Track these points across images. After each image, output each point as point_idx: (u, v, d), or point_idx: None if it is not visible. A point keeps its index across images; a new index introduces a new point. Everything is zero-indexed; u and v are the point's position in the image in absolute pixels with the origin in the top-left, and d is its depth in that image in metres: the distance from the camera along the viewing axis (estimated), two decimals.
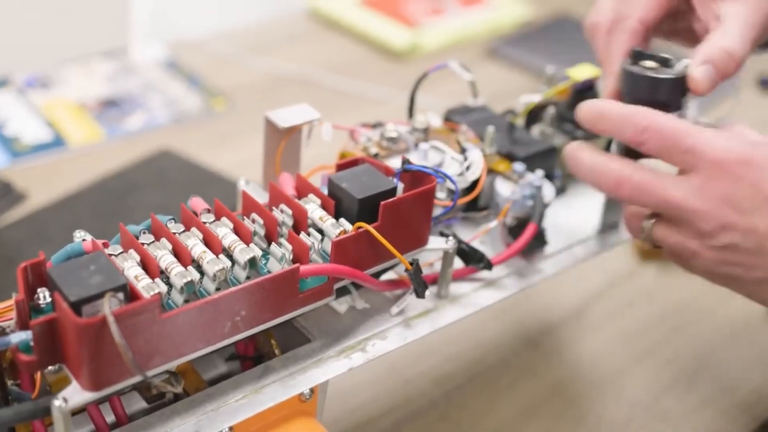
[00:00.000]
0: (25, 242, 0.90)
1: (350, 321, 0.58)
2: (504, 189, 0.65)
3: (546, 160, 0.68)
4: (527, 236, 0.63)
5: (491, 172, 0.66)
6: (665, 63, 0.60)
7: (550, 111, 0.72)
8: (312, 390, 0.54)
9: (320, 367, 0.55)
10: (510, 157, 0.67)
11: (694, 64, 0.58)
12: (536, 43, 1.39)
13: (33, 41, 1.26)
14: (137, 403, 0.55)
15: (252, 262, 0.50)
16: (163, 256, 0.50)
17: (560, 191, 0.73)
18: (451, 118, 0.71)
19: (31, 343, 0.46)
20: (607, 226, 0.70)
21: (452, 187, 0.60)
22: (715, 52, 0.58)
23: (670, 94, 0.59)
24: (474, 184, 0.63)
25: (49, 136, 1.08)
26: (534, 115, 0.74)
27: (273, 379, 0.53)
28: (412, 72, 0.70)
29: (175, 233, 0.51)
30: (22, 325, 0.47)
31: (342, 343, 0.56)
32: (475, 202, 0.66)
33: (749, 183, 0.50)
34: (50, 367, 0.51)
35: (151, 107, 1.16)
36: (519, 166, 0.65)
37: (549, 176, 0.69)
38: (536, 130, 0.73)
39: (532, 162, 0.67)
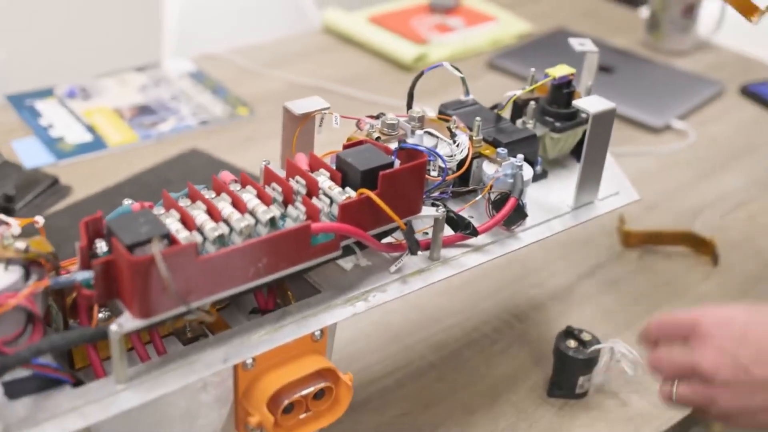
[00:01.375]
0: (69, 229, 1.00)
1: (355, 277, 0.68)
2: (489, 169, 0.75)
3: (527, 146, 0.78)
4: (508, 208, 0.72)
5: (479, 156, 0.76)
6: (583, 344, 0.84)
7: (532, 105, 0.83)
8: (322, 331, 0.64)
9: (329, 313, 0.65)
10: (495, 144, 0.77)
11: None
12: (533, 55, 1.50)
13: (75, 57, 1.39)
14: (175, 346, 0.66)
15: (272, 221, 0.61)
16: (199, 215, 0.60)
17: (542, 176, 0.83)
18: (444, 111, 0.81)
19: (92, 281, 0.56)
20: (581, 204, 0.80)
21: (442, 164, 0.70)
22: None
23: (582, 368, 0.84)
24: (462, 164, 0.73)
25: (89, 138, 1.20)
26: (519, 110, 0.84)
27: (290, 321, 0.64)
28: (418, 82, 0.80)
29: (208, 198, 0.62)
30: (84, 267, 0.57)
31: (347, 294, 0.67)
32: (464, 182, 0.76)
33: (727, 337, 0.66)
34: (101, 315, 0.61)
35: (181, 114, 1.28)
36: (502, 151, 0.75)
37: (530, 161, 0.79)
38: (520, 122, 0.83)
39: (514, 148, 0.77)
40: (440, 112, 0.81)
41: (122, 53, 1.41)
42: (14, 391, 0.56)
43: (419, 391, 0.85)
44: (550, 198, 0.81)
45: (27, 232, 0.61)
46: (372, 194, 0.63)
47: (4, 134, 1.20)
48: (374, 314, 0.91)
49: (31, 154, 1.15)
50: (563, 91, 0.83)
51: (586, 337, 0.86)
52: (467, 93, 0.84)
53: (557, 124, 0.82)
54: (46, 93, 1.31)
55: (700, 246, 1.07)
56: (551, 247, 1.03)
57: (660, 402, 0.72)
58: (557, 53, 1.44)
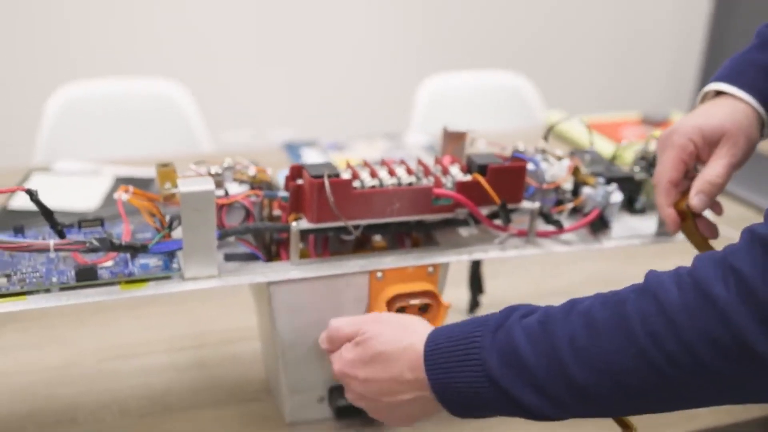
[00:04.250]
0: None
1: (467, 240, 0.97)
2: (587, 190, 1.01)
3: (623, 182, 1.04)
4: (592, 216, 0.98)
5: (585, 183, 1.03)
6: None
7: (638, 155, 1.08)
8: (434, 267, 0.93)
9: (441, 256, 0.94)
10: (599, 176, 1.04)
11: (691, 194, 0.92)
12: None
13: (342, 121, 1.78)
14: None
15: (410, 184, 0.91)
16: (364, 173, 0.92)
17: (641, 211, 1.08)
18: (571, 152, 1.09)
19: (288, 198, 0.89)
20: (660, 234, 1.03)
21: (535, 168, 0.97)
22: (702, 184, 0.92)
23: None
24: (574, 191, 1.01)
25: None
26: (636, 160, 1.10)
27: (414, 255, 0.93)
28: None
29: (375, 167, 0.94)
30: (286, 189, 0.91)
31: (458, 249, 0.95)
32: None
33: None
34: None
35: None
36: (600, 180, 1.02)
37: (632, 199, 1.05)
38: (627, 168, 1.09)
39: (612, 181, 1.03)
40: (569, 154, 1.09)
41: (378, 123, 1.80)
42: (230, 257, 0.90)
43: None
44: (641, 226, 1.06)
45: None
46: (481, 178, 0.93)
47: (275, 166, 1.60)
48: None
49: None
50: None
51: None
52: (591, 144, 1.11)
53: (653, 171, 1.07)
54: (313, 143, 1.71)
55: None
56: None
57: None
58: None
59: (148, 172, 1.59)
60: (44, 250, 0.81)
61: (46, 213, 0.84)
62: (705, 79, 3.57)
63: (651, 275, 0.70)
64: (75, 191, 1.49)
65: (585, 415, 0.73)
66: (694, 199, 0.92)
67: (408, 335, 0.80)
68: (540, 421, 0.73)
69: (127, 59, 2.94)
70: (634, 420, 0.79)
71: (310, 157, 1.64)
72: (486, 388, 0.72)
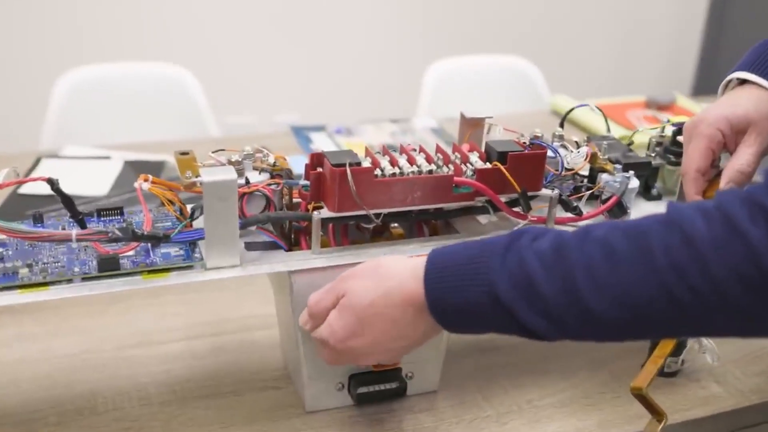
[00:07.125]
0: None
1: (486, 228, 0.97)
2: (605, 177, 1.01)
3: (640, 168, 1.04)
4: (611, 202, 0.98)
5: (602, 170, 1.03)
6: None
7: (654, 142, 1.08)
8: None
9: None
10: (615, 162, 1.04)
11: (722, 183, 0.94)
12: None
13: (349, 107, 1.78)
14: None
15: (430, 172, 0.91)
16: (384, 161, 0.92)
17: (658, 197, 1.08)
18: (589, 139, 1.09)
19: (309, 187, 0.89)
20: None
21: (554, 156, 0.97)
22: (732, 173, 0.94)
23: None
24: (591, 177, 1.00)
25: None
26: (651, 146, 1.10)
27: (434, 242, 0.93)
28: None
29: (394, 155, 0.94)
30: (306, 178, 0.91)
31: (477, 236, 0.95)
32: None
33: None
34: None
35: None
36: (618, 166, 1.02)
37: (648, 186, 1.05)
38: (643, 154, 1.09)
39: (630, 168, 1.02)
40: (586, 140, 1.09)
41: (384, 109, 1.79)
42: (251, 246, 0.90)
43: (548, 347, 1.11)
44: (657, 211, 1.05)
45: None
46: (501, 166, 0.93)
47: (284, 150, 1.59)
48: None
49: (299, 167, 1.53)
50: (679, 132, 1.08)
51: None
52: (608, 130, 1.11)
53: (672, 159, 1.07)
54: (320, 128, 1.71)
55: None
56: None
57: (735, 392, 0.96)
58: None
59: (157, 156, 1.59)
60: (66, 240, 0.81)
61: (68, 203, 0.84)
62: (704, 65, 3.58)
63: (673, 207, 0.70)
64: (85, 176, 1.48)
65: (589, 340, 0.74)
66: (725, 189, 0.92)
67: (384, 280, 0.81)
68: (536, 340, 0.74)
69: (133, 45, 2.93)
70: (663, 406, 0.79)
71: (319, 141, 1.64)
72: (491, 308, 0.73)
